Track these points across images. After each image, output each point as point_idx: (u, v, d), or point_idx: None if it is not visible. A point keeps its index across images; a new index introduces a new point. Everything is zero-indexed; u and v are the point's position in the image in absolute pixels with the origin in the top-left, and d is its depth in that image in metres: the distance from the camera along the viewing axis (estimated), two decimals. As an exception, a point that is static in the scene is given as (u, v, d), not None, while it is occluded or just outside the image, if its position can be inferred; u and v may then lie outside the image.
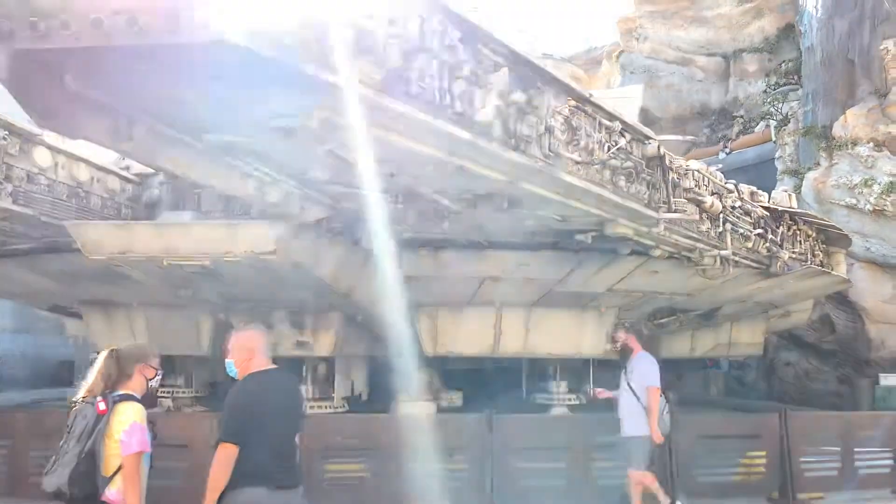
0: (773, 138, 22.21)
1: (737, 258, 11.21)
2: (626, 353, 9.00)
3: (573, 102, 6.75)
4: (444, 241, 10.11)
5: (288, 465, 4.16)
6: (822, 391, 19.40)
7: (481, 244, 10.30)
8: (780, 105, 22.49)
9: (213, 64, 4.10)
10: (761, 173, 22.71)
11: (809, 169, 19.65)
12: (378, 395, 13.54)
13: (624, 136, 7.72)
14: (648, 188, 8.22)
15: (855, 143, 18.31)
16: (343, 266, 9.62)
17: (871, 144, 17.94)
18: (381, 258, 10.64)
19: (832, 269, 15.31)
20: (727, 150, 25.47)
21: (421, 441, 8.85)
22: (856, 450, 8.75)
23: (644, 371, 8.49)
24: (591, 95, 7.05)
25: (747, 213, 11.26)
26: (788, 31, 25.52)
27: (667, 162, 8.42)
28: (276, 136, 4.97)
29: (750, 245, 11.32)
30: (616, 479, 9.14)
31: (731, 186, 10.97)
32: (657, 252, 9.61)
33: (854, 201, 17.98)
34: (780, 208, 12.46)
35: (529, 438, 11.06)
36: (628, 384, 8.64)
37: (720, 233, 10.14)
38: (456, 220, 8.33)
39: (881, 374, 17.40)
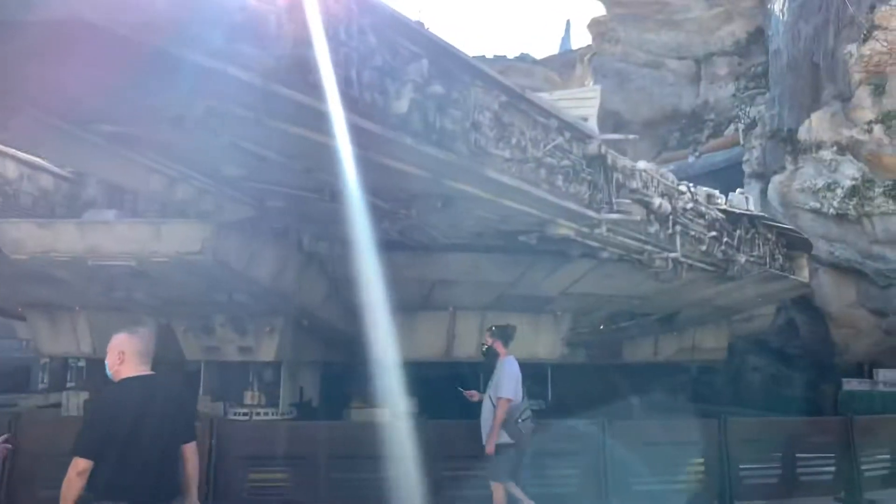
0: (741, 142, 22.12)
1: (690, 261, 11.02)
2: (491, 357, 8.46)
3: (504, 98, 6.48)
4: (390, 242, 9.81)
5: (156, 480, 3.84)
6: (787, 396, 19.27)
7: (431, 246, 10.03)
8: (747, 109, 22.43)
9: (83, 46, 3.79)
10: (730, 177, 22.60)
11: (775, 172, 19.59)
12: (331, 402, 13.20)
13: (563, 134, 7.48)
14: (590, 188, 7.99)
15: (819, 147, 18.23)
16: (284, 268, 9.29)
17: (835, 148, 17.86)
18: (326, 260, 10.42)
19: (794, 274, 15.20)
20: (697, 154, 25.38)
21: (357, 448, 8.52)
22: (798, 456, 8.54)
23: (500, 379, 7.95)
24: (524, 91, 6.79)
25: (701, 216, 11.06)
26: (758, 36, 25.50)
27: (609, 161, 8.19)
28: (167, 126, 4.66)
29: (704, 248, 11.12)
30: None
31: (683, 188, 10.78)
32: (605, 254, 9.37)
33: (818, 205, 17.90)
34: (737, 211, 12.29)
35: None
36: (489, 393, 8.11)
37: (670, 235, 9.93)
38: (394, 221, 8.06)
39: (844, 380, 17.29)
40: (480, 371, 15.51)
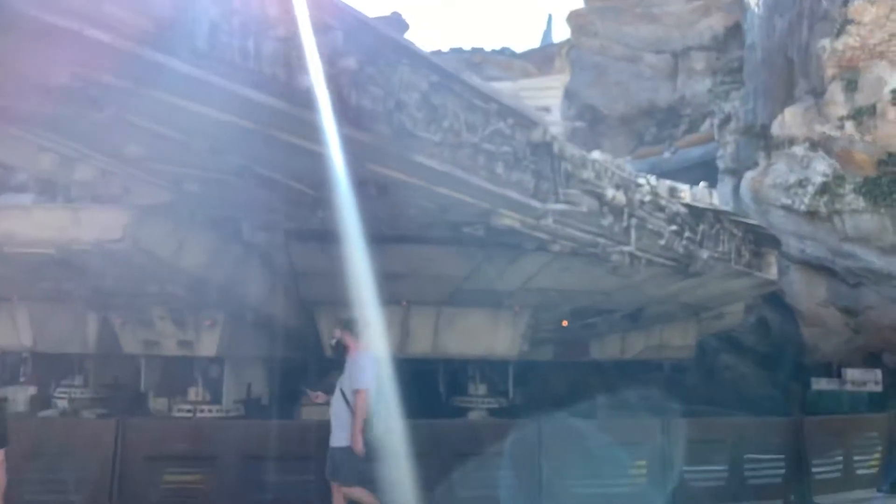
0: (716, 137, 21.86)
1: (648, 256, 10.68)
2: (342, 352, 7.84)
3: (435, 78, 6.08)
4: (333, 233, 9.40)
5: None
6: (757, 396, 19.02)
7: (378, 238, 9.62)
8: (722, 104, 22.16)
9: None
10: (706, 173, 22.29)
11: (748, 169, 19.32)
12: (283, 399, 12.77)
13: (504, 119, 7.09)
14: (535, 177, 7.61)
15: (792, 143, 17.98)
16: (218, 259, 8.85)
17: (808, 144, 17.61)
18: (268, 252, 9.99)
19: (762, 271, 14.91)
20: (672, 150, 25.10)
21: (278, 448, 8.11)
22: (747, 458, 8.20)
23: (354, 373, 7.33)
24: (458, 72, 6.39)
25: (660, 209, 10.72)
26: (736, 30, 25.23)
27: (556, 150, 7.81)
28: (46, 99, 4.22)
29: (663, 242, 10.77)
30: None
31: (642, 181, 10.42)
32: (556, 247, 9.00)
33: (790, 202, 17.64)
34: (700, 205, 11.97)
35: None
36: (341, 388, 7.49)
37: (625, 228, 9.58)
38: (329, 209, 7.63)
39: (813, 379, 17.06)
40: (441, 367, 15.23)
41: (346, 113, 5.16)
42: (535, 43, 40.83)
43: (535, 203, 7.47)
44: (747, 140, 19.72)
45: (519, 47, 37.36)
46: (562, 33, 32.12)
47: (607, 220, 9.20)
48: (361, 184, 6.42)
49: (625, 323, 15.29)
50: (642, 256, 10.63)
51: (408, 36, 21.10)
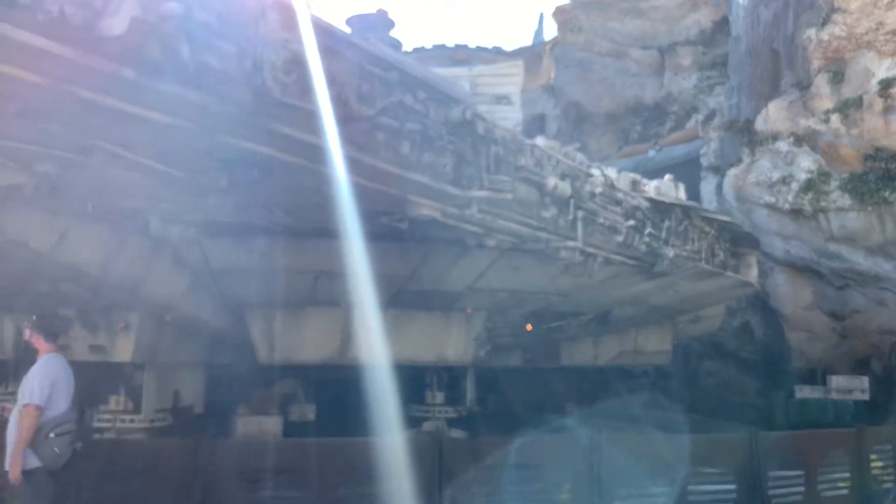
0: (700, 134, 20.98)
1: (604, 253, 9.81)
2: (29, 355, 6.54)
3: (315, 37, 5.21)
4: (249, 226, 8.54)
5: None
6: (739, 404, 18.13)
7: (304, 232, 8.77)
8: (706, 99, 21.29)
9: None
10: (691, 171, 21.45)
11: (732, 166, 18.43)
12: (219, 408, 11.90)
13: (413, 93, 6.22)
14: (455, 161, 6.73)
15: (776, 138, 17.09)
16: (117, 254, 7.98)
17: (792, 139, 16.72)
18: (182, 247, 9.11)
19: (740, 272, 14.04)
20: (657, 148, 24.22)
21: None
22: (692, 479, 7.28)
23: (25, 383, 5.93)
24: (344, 33, 5.52)
25: (616, 203, 9.84)
26: (724, 25, 24.33)
27: (480, 131, 6.93)
28: None
29: (620, 239, 9.90)
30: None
31: (595, 171, 9.55)
32: (492, 241, 8.12)
33: (774, 200, 16.76)
34: (665, 200, 11.09)
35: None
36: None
37: (571, 221, 8.69)
38: (220, 196, 6.77)
39: (796, 386, 16.13)
40: (397, 375, 14.31)
41: (181, 73, 4.28)
42: (528, 42, 39.97)
43: (454, 190, 6.60)
44: (731, 136, 18.84)
45: (512, 46, 36.49)
46: (553, 32, 31.24)
47: (549, 213, 8.34)
48: (237, 164, 5.54)
49: (594, 327, 14.41)
50: (597, 254, 9.76)
51: (395, 33, 20.20)
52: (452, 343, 11.59)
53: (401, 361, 11.61)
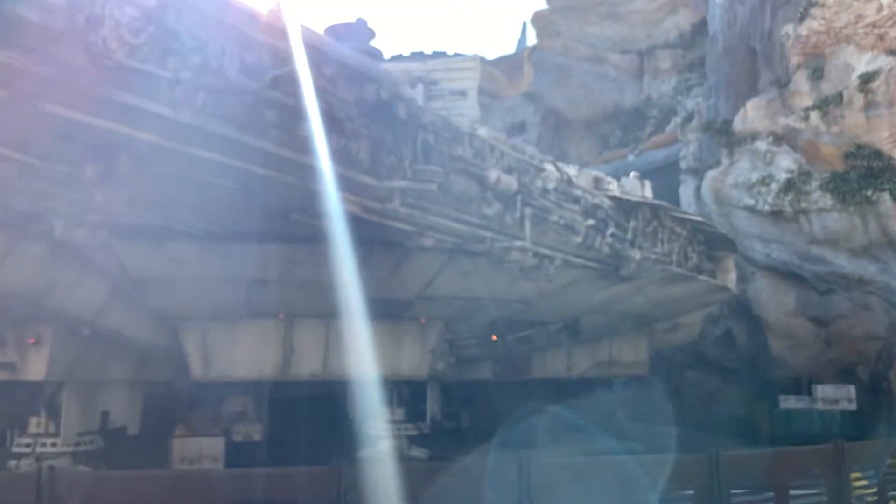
0: (679, 137, 20.31)
1: (563, 255, 9.06)
2: None
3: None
4: (164, 230, 7.73)
5: None
6: (722, 415, 17.31)
7: (221, 236, 7.97)
8: (684, 100, 20.65)
9: None
10: (671, 176, 20.77)
11: (710, 168, 17.74)
12: (155, 429, 11.05)
13: (318, 67, 5.46)
14: (372, 146, 5.97)
15: (755, 138, 16.42)
16: (8, 261, 7.17)
17: (771, 139, 16.05)
18: (94, 253, 8.30)
19: (717, 277, 13.29)
20: (637, 153, 23.57)
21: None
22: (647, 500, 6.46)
23: None
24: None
25: (574, 200, 9.09)
26: (703, 27, 23.73)
27: (402, 114, 6.17)
28: None
29: (580, 240, 9.15)
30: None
31: (549, 166, 8.80)
32: (427, 241, 7.36)
33: (753, 202, 16.04)
34: (631, 199, 10.35)
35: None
36: None
37: (519, 219, 7.93)
38: (109, 191, 5.97)
39: (781, 396, 15.34)
40: (347, 389, 13.49)
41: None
42: (505, 50, 39.44)
43: (370, 180, 5.81)
44: (709, 137, 18.15)
45: (494, 55, 35.95)
46: (532, 39, 30.68)
47: (493, 209, 7.58)
48: (101, 149, 4.75)
49: (565, 337, 13.61)
50: (554, 256, 9.01)
51: (378, 44, 19.38)
52: (406, 355, 10.80)
53: (349, 376, 10.84)
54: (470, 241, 7.57)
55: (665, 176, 20.75)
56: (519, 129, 27.97)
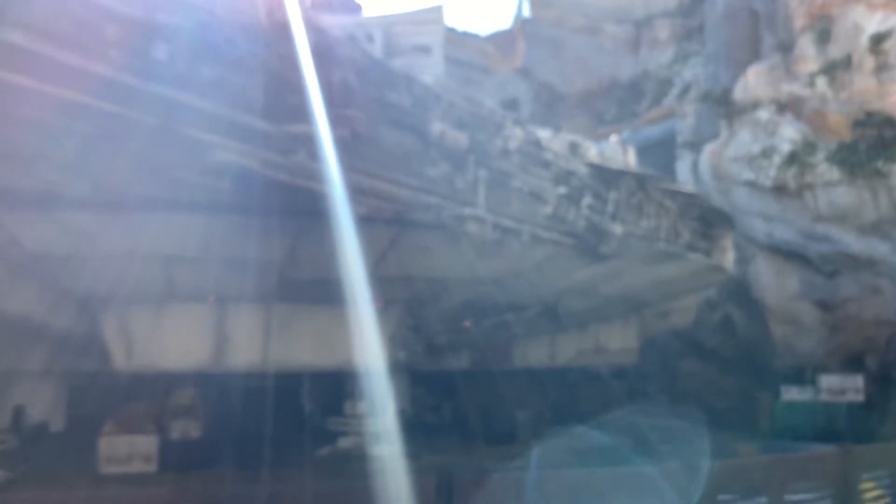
0: (675, 109, 19.04)
1: (530, 229, 7.85)
2: None
3: None
4: (52, 196, 6.54)
5: None
6: (721, 408, 16.13)
7: (122, 203, 6.77)
8: (681, 69, 19.37)
9: None
10: (669, 152, 19.53)
11: (708, 141, 16.50)
12: (83, 425, 9.92)
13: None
14: (265, 82, 4.74)
15: (756, 107, 15.17)
16: None
17: (774, 107, 14.81)
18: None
19: (712, 255, 12.07)
20: (633, 129, 22.27)
21: None
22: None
23: None
24: None
25: (543, 165, 7.87)
26: (703, -6, 22.41)
27: (309, 42, 4.93)
28: None
29: (549, 210, 7.94)
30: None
31: (511, 125, 7.56)
32: (360, 207, 6.14)
33: (754, 177, 14.80)
34: (612, 168, 9.13)
35: None
36: None
37: (472, 183, 6.72)
38: None
39: (783, 387, 14.15)
40: (306, 381, 12.34)
41: None
42: (500, 25, 38.18)
43: (263, 124, 4.58)
44: (708, 108, 16.90)
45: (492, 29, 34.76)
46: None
47: (439, 170, 6.39)
48: None
49: (547, 323, 12.44)
50: (520, 229, 7.79)
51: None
52: (360, 343, 9.59)
53: (294, 368, 9.70)
54: (413, 208, 6.39)
55: (663, 152, 19.51)
56: (511, 105, 26.75)
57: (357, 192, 5.85)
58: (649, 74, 23.74)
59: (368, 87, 5.51)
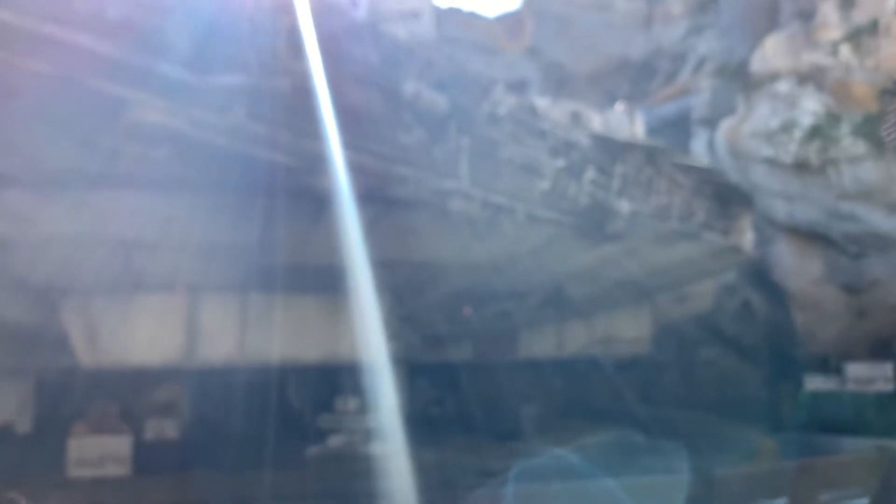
0: (689, 85, 18.13)
1: (525, 206, 7.07)
2: None
3: None
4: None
5: None
6: (742, 398, 15.30)
7: (65, 183, 6.06)
8: (695, 42, 18.44)
9: None
10: (683, 130, 18.65)
11: (724, 117, 15.61)
12: (51, 425, 9.29)
13: None
14: (194, 27, 3.98)
15: (775, 79, 14.27)
16: None
17: (794, 79, 13.91)
18: None
19: (729, 236, 11.24)
20: (646, 108, 21.34)
21: None
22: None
23: None
24: None
25: (539, 135, 7.07)
26: (718, -35, 21.40)
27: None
28: None
29: (546, 186, 7.15)
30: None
31: (501, 89, 6.76)
32: (320, 180, 5.40)
33: (773, 153, 13.92)
34: (618, 140, 8.31)
35: None
36: None
37: (452, 152, 5.93)
38: None
39: (807, 376, 13.36)
40: (294, 378, 11.67)
41: None
42: (507, 7, 37.22)
43: (186, 74, 3.82)
44: (723, 82, 16.03)
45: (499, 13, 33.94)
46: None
47: (412, 137, 5.61)
48: None
49: (551, 311, 11.66)
50: (515, 207, 7.03)
51: None
52: (346, 334, 8.87)
53: (273, 361, 8.98)
54: (387, 182, 5.59)
55: (677, 131, 18.65)
56: (520, 86, 25.94)
57: (317, 161, 5.08)
58: (662, 51, 22.78)
59: (324, 36, 4.73)
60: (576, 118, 7.99)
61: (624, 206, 8.11)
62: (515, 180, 6.64)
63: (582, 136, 7.65)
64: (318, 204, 6.53)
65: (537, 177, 6.86)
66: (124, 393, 9.61)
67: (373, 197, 5.91)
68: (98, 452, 9.04)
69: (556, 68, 25.49)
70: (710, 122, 16.48)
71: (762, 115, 14.41)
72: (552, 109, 7.84)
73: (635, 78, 23.75)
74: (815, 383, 13.24)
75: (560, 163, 7.08)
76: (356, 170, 5.30)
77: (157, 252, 7.28)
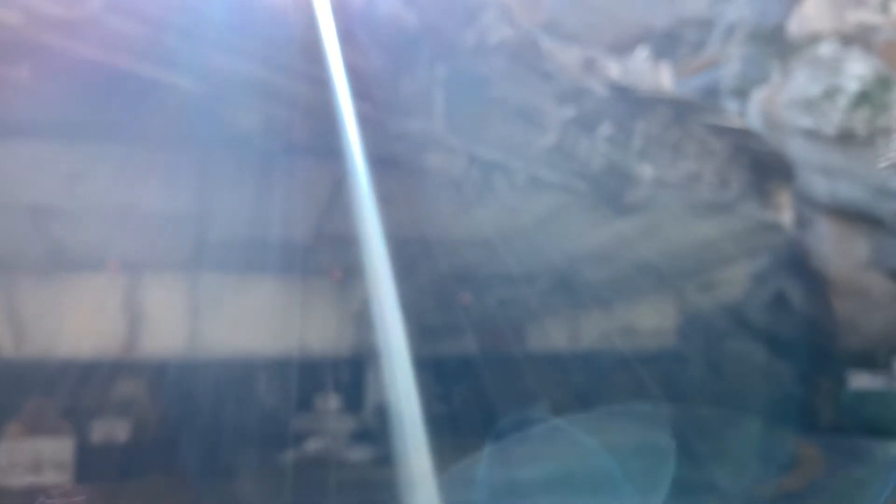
0: (718, 54, 16.76)
1: (522, 165, 5.74)
2: None
3: None
4: None
5: None
6: (776, 397, 14.05)
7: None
8: (723, 7, 17.03)
9: None
10: (712, 104, 17.28)
11: (758, 85, 14.29)
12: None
13: None
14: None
15: (815, 42, 12.94)
16: None
17: (838, 40, 12.58)
18: None
19: (766, 212, 9.87)
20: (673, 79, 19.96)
21: None
22: None
23: None
24: None
25: (544, 77, 5.74)
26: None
27: None
28: None
29: (552, 140, 5.82)
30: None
31: (495, 13, 5.41)
32: (246, 120, 4.07)
33: (814, 124, 12.60)
34: (641, 92, 6.95)
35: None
36: None
37: (425, 85, 4.59)
38: None
39: (850, 373, 12.15)
40: (264, 374, 10.47)
41: None
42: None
43: None
44: (756, 49, 14.63)
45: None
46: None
47: (368, 62, 4.22)
48: None
49: (561, 298, 10.40)
50: (512, 166, 5.70)
51: None
52: (315, 323, 7.65)
53: (224, 355, 7.75)
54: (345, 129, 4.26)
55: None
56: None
57: (235, 90, 3.77)
58: (687, 19, 21.33)
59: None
60: (589, 65, 6.62)
61: (646, 171, 6.77)
62: (511, 130, 5.31)
63: (597, 85, 6.28)
64: (263, 159, 5.26)
65: (539, 129, 5.54)
66: (67, 389, 8.43)
67: (338, 153, 4.60)
68: (34, 457, 7.92)
69: (574, 43, 24.13)
70: (742, 94, 15.14)
71: (801, 82, 13.07)
72: (561, 53, 6.47)
73: (658, 49, 22.27)
74: (860, 381, 12.05)
75: (569, 112, 5.74)
76: (288, 103, 3.99)
77: (77, 222, 6.05)
